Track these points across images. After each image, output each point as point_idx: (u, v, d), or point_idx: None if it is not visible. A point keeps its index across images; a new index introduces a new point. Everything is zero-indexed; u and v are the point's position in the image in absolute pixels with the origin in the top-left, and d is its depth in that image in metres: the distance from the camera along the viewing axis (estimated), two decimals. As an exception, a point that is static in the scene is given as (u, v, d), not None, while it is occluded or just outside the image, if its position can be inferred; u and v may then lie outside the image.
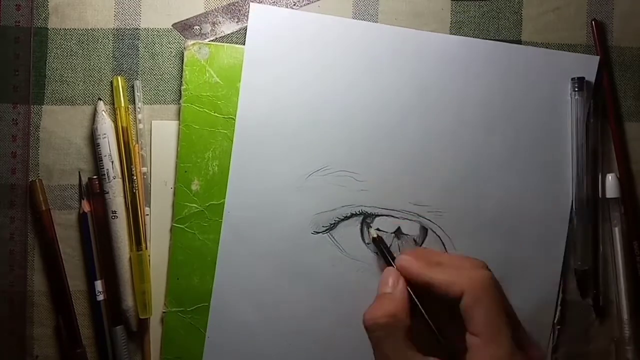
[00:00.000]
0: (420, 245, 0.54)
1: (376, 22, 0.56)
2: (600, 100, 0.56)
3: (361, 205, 0.54)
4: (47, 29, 0.55)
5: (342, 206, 0.54)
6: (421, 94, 0.55)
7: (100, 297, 0.54)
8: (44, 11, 0.55)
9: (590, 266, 0.55)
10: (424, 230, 0.54)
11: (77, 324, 0.55)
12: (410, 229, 0.54)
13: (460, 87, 0.55)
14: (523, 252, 0.55)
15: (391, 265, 0.50)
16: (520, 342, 0.45)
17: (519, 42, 0.57)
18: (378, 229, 0.54)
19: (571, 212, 0.55)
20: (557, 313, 0.55)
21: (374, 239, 0.53)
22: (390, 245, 0.54)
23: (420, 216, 0.54)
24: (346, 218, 0.54)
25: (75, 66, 0.55)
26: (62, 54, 0.55)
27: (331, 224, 0.54)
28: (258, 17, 0.55)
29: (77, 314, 0.55)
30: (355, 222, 0.54)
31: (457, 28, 0.56)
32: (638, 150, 0.56)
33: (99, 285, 0.54)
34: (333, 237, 0.54)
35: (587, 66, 0.55)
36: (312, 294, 0.54)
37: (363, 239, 0.54)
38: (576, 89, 0.55)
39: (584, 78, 0.55)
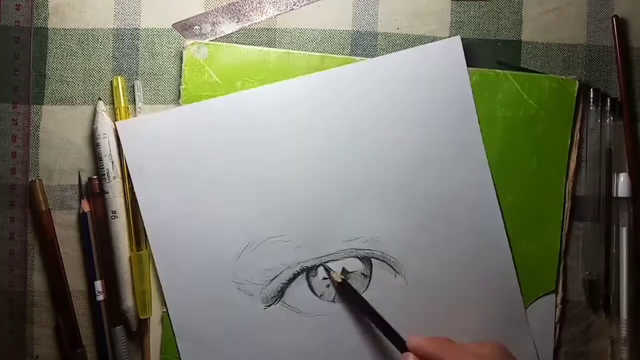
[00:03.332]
0: (370, 278, 0.54)
1: (376, 22, 0.56)
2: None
3: (299, 263, 0.54)
4: (47, 29, 0.55)
5: (282, 271, 0.54)
6: (314, 139, 0.54)
7: (100, 297, 0.54)
8: (44, 11, 0.55)
9: (599, 276, 0.55)
10: (368, 261, 0.54)
11: (77, 324, 0.55)
12: (354, 265, 0.54)
13: (350, 118, 0.54)
14: (467, 250, 0.55)
15: (364, 304, 0.52)
16: None
17: (519, 42, 0.57)
18: (324, 278, 0.54)
19: (568, 213, 0.56)
20: (558, 312, 0.55)
21: (339, 283, 0.53)
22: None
23: (357, 249, 0.54)
24: (290, 280, 0.54)
25: (75, 66, 0.55)
26: (62, 54, 0.55)
27: (278, 292, 0.54)
28: (128, 133, 0.54)
29: (77, 314, 0.55)
30: (301, 280, 0.54)
31: (457, 28, 0.56)
32: (638, 150, 0.57)
33: (98, 285, 0.54)
34: (285, 303, 0.54)
35: (453, 49, 0.55)
36: None
37: (315, 293, 0.54)
38: (592, 100, 0.55)
39: (599, 89, 0.55)
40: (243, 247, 0.54)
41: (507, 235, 0.55)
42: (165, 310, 0.54)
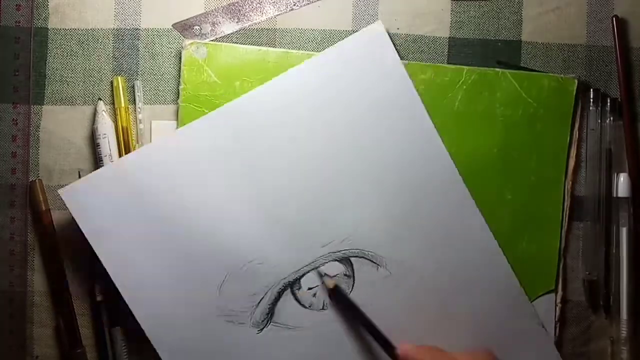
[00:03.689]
0: (353, 277, 0.54)
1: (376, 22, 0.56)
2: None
3: (281, 280, 0.54)
4: (47, 29, 0.55)
5: (266, 292, 0.53)
6: (268, 159, 0.54)
7: (100, 298, 0.54)
8: (44, 11, 0.55)
9: (599, 276, 0.55)
10: (348, 261, 0.54)
11: (77, 324, 0.55)
12: (334, 268, 0.54)
13: (304, 121, 0.54)
14: (443, 232, 0.55)
15: (357, 310, 0.52)
16: None
17: (519, 42, 0.57)
18: (309, 288, 0.54)
19: (568, 212, 0.56)
20: (557, 311, 0.55)
21: (331, 290, 0.53)
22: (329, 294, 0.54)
23: (335, 252, 0.54)
24: (277, 299, 0.54)
25: (75, 66, 0.55)
26: (62, 54, 0.55)
27: (267, 314, 0.53)
28: (74, 200, 0.52)
29: (77, 314, 0.55)
30: (287, 296, 0.54)
31: (457, 28, 0.56)
32: (638, 150, 0.57)
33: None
34: (277, 323, 0.54)
35: (376, 35, 0.55)
36: None
37: (302, 305, 0.54)
38: (592, 100, 0.55)
39: (599, 90, 0.55)
40: (222, 279, 0.53)
41: (482, 213, 0.55)
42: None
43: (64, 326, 0.54)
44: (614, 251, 0.55)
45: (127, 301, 0.52)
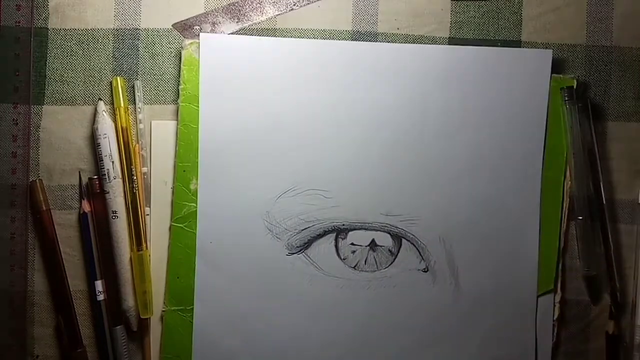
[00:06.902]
0: (396, 256, 0.55)
1: (376, 22, 0.56)
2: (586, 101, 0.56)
3: (333, 222, 0.54)
4: (47, 29, 0.55)
5: (314, 224, 0.54)
6: (382, 106, 0.55)
7: (101, 297, 0.54)
8: (44, 11, 0.55)
9: (598, 271, 0.55)
10: (398, 240, 0.55)
11: (77, 323, 0.55)
12: (384, 240, 0.55)
13: (420, 96, 0.55)
14: (499, 254, 0.55)
15: None
16: None
17: (518, 42, 0.57)
18: (352, 244, 0.54)
19: (566, 211, 0.56)
20: (556, 310, 0.55)
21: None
22: (366, 258, 0.54)
23: (392, 226, 0.54)
24: (319, 236, 0.54)
25: (75, 66, 0.55)
26: (62, 54, 0.55)
27: (304, 243, 0.54)
28: (209, 46, 0.54)
29: (78, 314, 0.55)
30: (329, 239, 0.54)
31: (457, 28, 0.56)
32: (638, 150, 0.57)
33: (99, 285, 0.54)
34: (308, 256, 0.54)
35: (541, 59, 0.55)
36: (293, 316, 0.55)
37: (339, 255, 0.55)
38: (566, 99, 0.55)
39: (572, 87, 0.55)
40: (284, 190, 0.54)
41: (539, 246, 0.55)
42: (164, 309, 0.54)
43: (64, 326, 0.54)
44: (612, 247, 0.56)
45: (200, 157, 0.54)
